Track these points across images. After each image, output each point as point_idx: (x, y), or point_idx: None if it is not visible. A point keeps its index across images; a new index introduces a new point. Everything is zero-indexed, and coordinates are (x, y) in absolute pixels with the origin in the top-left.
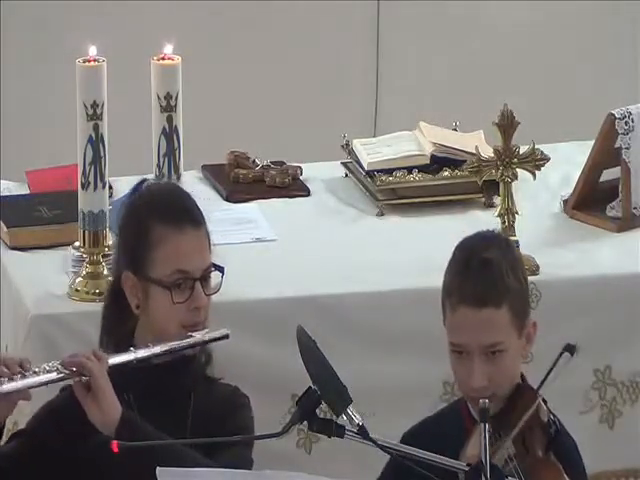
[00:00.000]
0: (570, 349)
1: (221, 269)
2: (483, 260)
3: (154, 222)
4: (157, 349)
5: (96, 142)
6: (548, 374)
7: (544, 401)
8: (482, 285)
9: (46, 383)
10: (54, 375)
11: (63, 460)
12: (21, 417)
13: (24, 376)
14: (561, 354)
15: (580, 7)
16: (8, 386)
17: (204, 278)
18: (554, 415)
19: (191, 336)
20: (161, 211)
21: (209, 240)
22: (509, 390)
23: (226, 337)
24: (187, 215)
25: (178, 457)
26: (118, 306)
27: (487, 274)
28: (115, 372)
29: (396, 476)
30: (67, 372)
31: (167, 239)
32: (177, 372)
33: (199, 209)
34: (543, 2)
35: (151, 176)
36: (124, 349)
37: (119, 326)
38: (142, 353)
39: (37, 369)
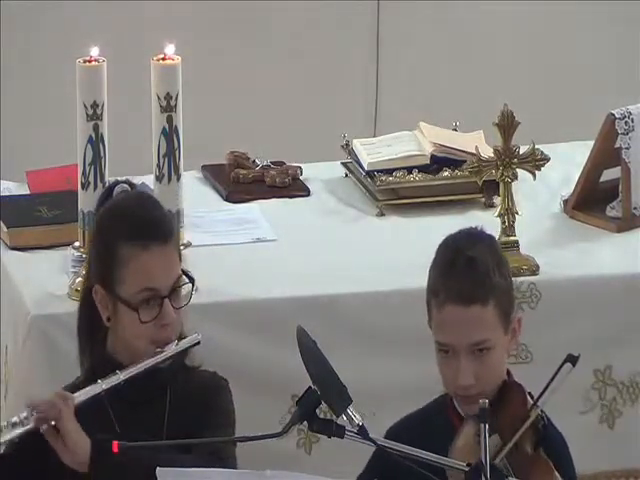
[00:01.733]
0: (572, 360)
1: (191, 279)
2: (469, 258)
3: (120, 240)
4: (124, 375)
5: (96, 142)
6: (549, 384)
7: (531, 396)
8: (469, 283)
9: (17, 436)
10: (20, 428)
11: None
12: None
13: None
14: (563, 364)
15: (580, 7)
16: None
17: (173, 293)
18: (542, 410)
19: (162, 351)
20: (127, 228)
21: (179, 252)
22: (496, 387)
23: (197, 344)
24: (153, 231)
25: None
26: (91, 311)
27: (474, 272)
28: (90, 371)
29: (381, 469)
30: (34, 421)
31: (133, 258)
32: (150, 371)
33: (168, 220)
34: (543, 2)
35: (150, 177)
36: (98, 361)
37: (93, 331)
38: (109, 383)
39: (4, 423)
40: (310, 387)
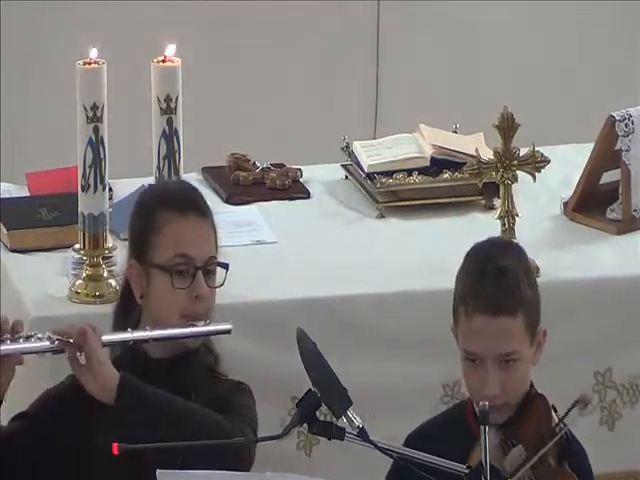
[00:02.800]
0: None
1: (225, 265)
2: (499, 268)
3: (159, 208)
4: (155, 333)
5: (96, 144)
6: (573, 405)
7: (555, 409)
8: (499, 293)
9: (37, 351)
10: (47, 343)
11: (62, 445)
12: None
13: (15, 340)
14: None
15: (580, 8)
16: None
17: (207, 269)
18: (564, 423)
19: (192, 325)
20: (166, 198)
21: (215, 234)
22: (521, 398)
23: (228, 332)
24: (191, 203)
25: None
26: (126, 301)
27: (504, 282)
28: (119, 358)
29: (400, 478)
30: (60, 339)
31: (170, 223)
32: (178, 371)
33: (206, 204)
34: (543, 3)
35: (150, 179)
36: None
37: (124, 321)
38: (139, 335)
39: (31, 333)
40: (310, 389)
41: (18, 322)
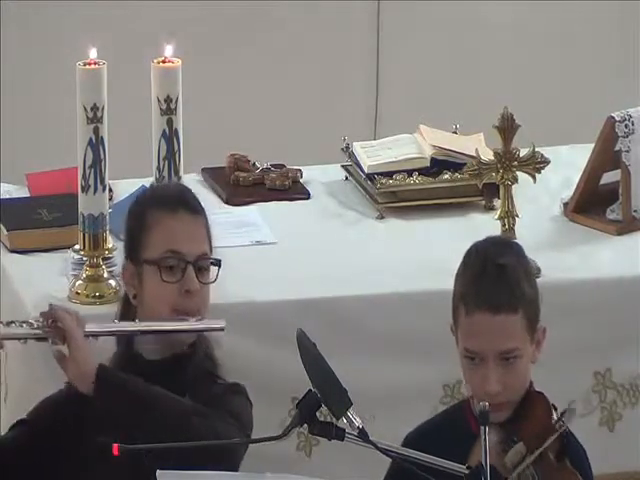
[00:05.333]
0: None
1: (217, 262)
2: (499, 266)
3: (150, 207)
4: (143, 325)
5: (96, 145)
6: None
7: (554, 408)
8: (500, 291)
9: (19, 337)
10: (28, 329)
11: (62, 451)
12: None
13: None
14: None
15: (580, 9)
16: None
17: (199, 265)
18: (563, 422)
19: (183, 320)
20: (158, 198)
21: (208, 232)
22: (520, 396)
23: (221, 329)
24: (183, 202)
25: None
26: (126, 305)
27: (504, 280)
28: (117, 356)
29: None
30: (42, 325)
31: (160, 221)
32: (172, 373)
33: (199, 203)
34: (544, 3)
35: (150, 180)
36: (123, 347)
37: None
38: (126, 327)
39: (11, 320)
40: (310, 390)
41: None
